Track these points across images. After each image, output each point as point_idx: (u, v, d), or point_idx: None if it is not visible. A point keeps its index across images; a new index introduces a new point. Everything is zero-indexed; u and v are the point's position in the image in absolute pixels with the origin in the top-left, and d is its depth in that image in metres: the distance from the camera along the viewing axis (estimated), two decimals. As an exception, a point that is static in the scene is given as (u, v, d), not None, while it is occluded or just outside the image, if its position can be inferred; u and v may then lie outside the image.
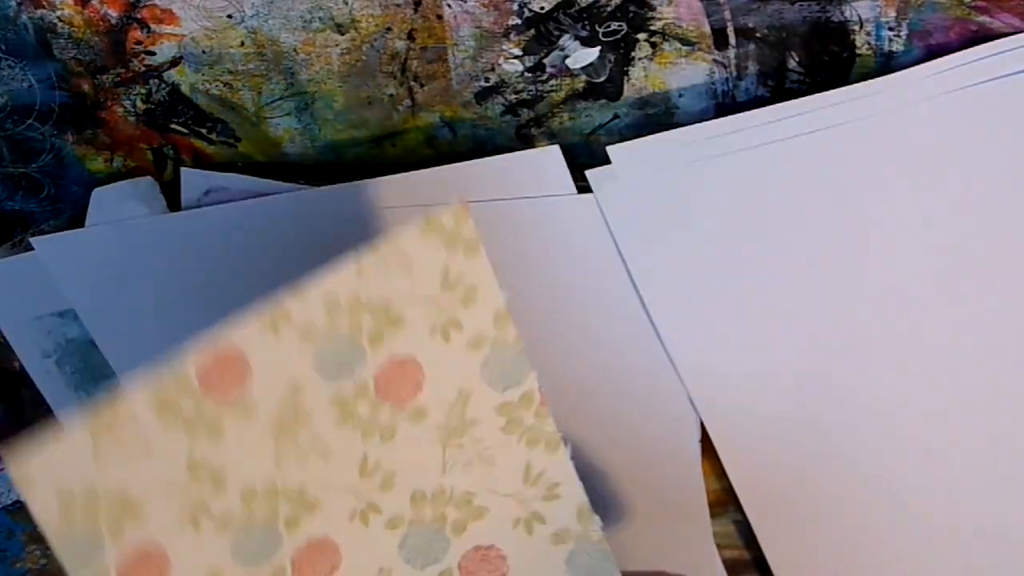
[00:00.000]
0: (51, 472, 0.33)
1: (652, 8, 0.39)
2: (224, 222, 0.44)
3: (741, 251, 0.42)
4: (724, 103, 0.41)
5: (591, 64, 0.41)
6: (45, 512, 0.33)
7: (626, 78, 0.41)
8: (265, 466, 0.35)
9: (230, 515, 0.35)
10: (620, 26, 0.40)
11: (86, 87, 0.43)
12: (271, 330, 0.34)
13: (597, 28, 0.40)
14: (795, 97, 0.39)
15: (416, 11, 0.40)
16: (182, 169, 0.45)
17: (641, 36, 0.40)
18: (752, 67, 0.40)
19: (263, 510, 0.35)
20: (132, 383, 0.33)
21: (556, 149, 0.42)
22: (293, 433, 0.35)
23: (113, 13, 0.41)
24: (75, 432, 0.32)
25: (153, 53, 0.42)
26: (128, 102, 0.44)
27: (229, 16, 0.41)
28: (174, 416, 0.33)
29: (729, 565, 0.51)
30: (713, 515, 0.49)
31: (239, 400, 0.34)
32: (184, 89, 0.43)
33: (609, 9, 0.39)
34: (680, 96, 0.41)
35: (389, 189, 0.43)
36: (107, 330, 0.48)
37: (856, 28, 0.39)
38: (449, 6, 0.40)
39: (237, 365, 0.34)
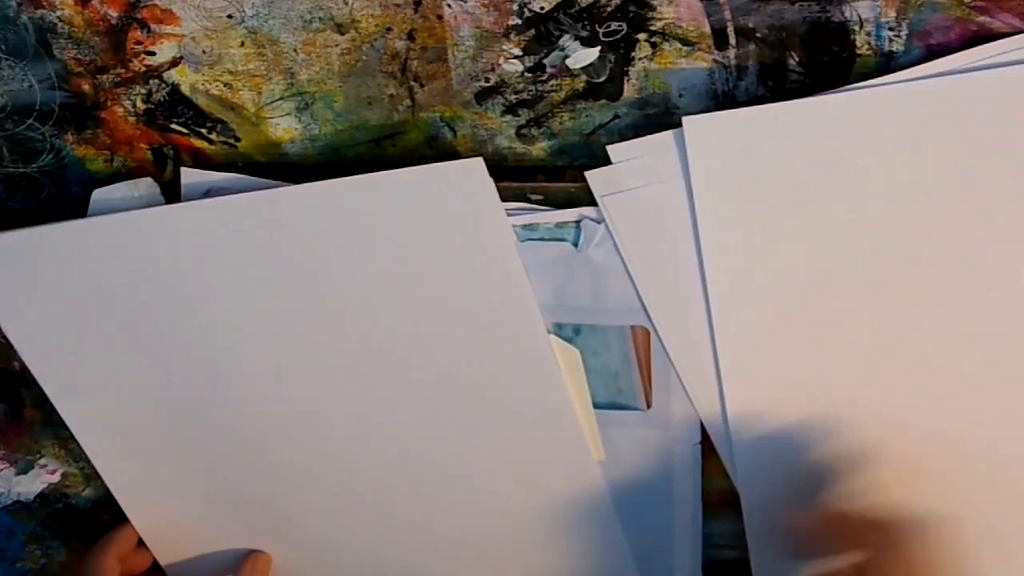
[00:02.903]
0: None
1: (652, 8, 0.39)
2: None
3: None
4: (724, 103, 0.41)
5: (591, 64, 0.41)
6: None
7: (626, 78, 0.41)
8: None
9: None
10: (620, 26, 0.40)
11: (86, 87, 0.43)
12: None
13: (597, 28, 0.40)
14: (795, 97, 0.39)
15: (416, 11, 0.40)
16: (182, 169, 0.45)
17: (641, 36, 0.40)
18: (752, 67, 0.40)
19: None
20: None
21: (480, 161, 0.41)
22: None
23: (113, 13, 0.41)
24: None
25: (153, 53, 0.42)
26: (128, 102, 0.44)
27: (229, 16, 0.41)
28: None
29: (730, 565, 0.51)
30: (713, 515, 0.49)
31: None
32: (184, 89, 0.43)
33: (609, 9, 0.39)
34: (680, 96, 0.41)
35: (331, 193, 0.43)
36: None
37: (856, 28, 0.39)
38: (449, 6, 0.40)
39: None
